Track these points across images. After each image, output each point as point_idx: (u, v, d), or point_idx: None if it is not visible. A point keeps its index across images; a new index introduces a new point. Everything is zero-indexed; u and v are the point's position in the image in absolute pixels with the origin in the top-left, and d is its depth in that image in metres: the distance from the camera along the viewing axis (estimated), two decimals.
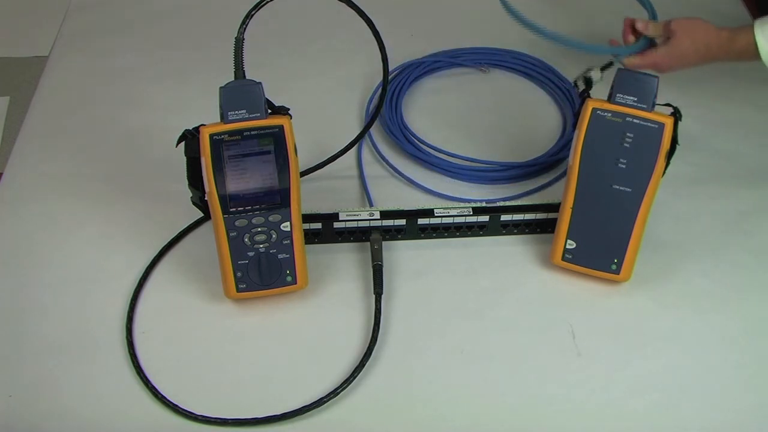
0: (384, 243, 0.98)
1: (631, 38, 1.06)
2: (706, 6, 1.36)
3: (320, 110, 1.19)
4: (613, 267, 0.93)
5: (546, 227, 1.01)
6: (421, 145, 1.14)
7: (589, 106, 0.90)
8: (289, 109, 0.88)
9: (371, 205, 1.06)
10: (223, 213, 0.87)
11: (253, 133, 0.86)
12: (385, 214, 0.99)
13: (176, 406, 0.84)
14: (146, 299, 0.94)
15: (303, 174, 1.04)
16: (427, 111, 1.21)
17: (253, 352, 0.90)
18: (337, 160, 1.06)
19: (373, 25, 0.93)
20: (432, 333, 0.92)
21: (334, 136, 1.10)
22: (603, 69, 1.01)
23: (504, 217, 1.00)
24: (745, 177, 1.10)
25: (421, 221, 0.99)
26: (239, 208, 0.87)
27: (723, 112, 1.18)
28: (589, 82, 0.93)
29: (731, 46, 1.00)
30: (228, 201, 0.87)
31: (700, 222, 1.04)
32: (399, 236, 1.01)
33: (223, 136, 0.85)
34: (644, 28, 1.04)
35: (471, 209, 1.00)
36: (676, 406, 0.85)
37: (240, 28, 0.85)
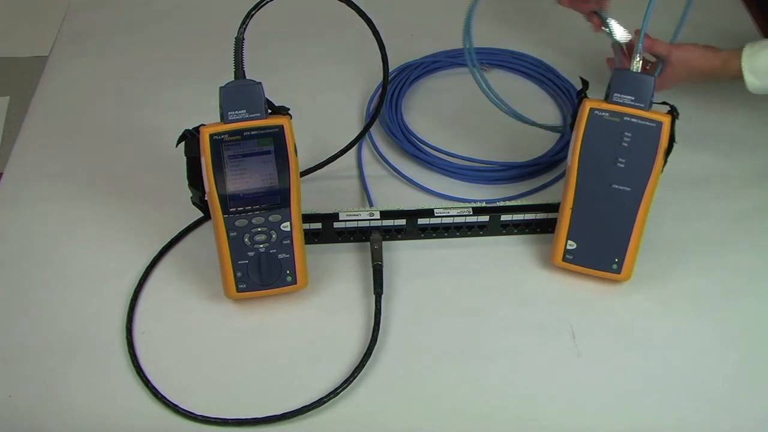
0: (384, 243, 0.98)
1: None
2: (705, 5, 1.36)
3: (320, 110, 1.19)
4: (614, 266, 0.93)
5: (546, 227, 1.01)
6: (421, 145, 1.14)
7: (587, 106, 0.90)
8: (289, 109, 0.88)
9: (371, 205, 1.06)
10: (223, 213, 0.87)
11: (253, 133, 0.86)
12: (385, 214, 0.99)
13: (176, 406, 0.84)
14: (146, 299, 0.94)
15: (303, 174, 1.04)
16: (427, 111, 1.21)
17: (253, 352, 0.90)
18: (337, 160, 1.06)
19: (373, 25, 0.93)
20: (432, 333, 0.92)
21: (334, 136, 1.10)
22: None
23: (504, 217, 1.00)
24: (746, 177, 1.10)
25: (421, 221, 0.99)
26: (239, 208, 0.88)
27: (723, 112, 1.19)
28: (586, 83, 0.94)
29: (724, 73, 1.04)
30: (228, 201, 0.87)
31: (700, 222, 1.04)
32: (399, 236, 1.01)
33: (223, 136, 0.85)
34: (651, 46, 1.07)
35: (471, 209, 1.00)
36: (676, 406, 0.85)
37: (240, 28, 0.85)
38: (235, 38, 0.85)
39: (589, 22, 1.12)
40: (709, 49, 1.06)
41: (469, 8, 1.11)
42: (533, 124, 1.14)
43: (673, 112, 0.90)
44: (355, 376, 0.86)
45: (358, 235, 1.00)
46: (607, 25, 1.09)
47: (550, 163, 1.12)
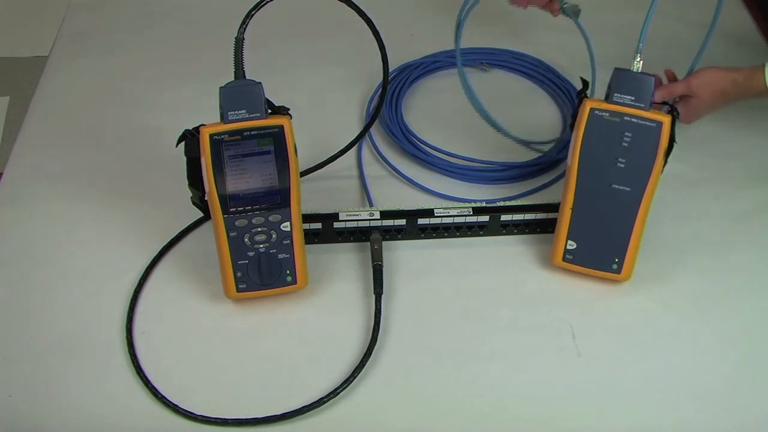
0: (384, 243, 0.98)
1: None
2: (705, 5, 1.36)
3: (320, 110, 1.19)
4: (614, 266, 0.93)
5: (546, 227, 1.01)
6: (421, 145, 1.14)
7: (587, 106, 0.90)
8: (289, 109, 0.88)
9: (371, 205, 1.06)
10: (223, 213, 0.87)
11: (253, 133, 0.86)
12: (385, 214, 0.99)
13: (176, 406, 0.84)
14: (146, 299, 0.94)
15: (303, 174, 1.04)
16: (427, 111, 1.21)
17: (253, 352, 0.90)
18: (337, 160, 1.06)
19: (373, 25, 0.93)
20: (432, 333, 0.92)
21: (334, 136, 1.10)
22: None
23: (504, 217, 1.00)
24: (746, 177, 1.10)
25: (421, 221, 0.99)
26: (239, 208, 0.88)
27: (723, 112, 1.18)
28: (586, 83, 0.94)
29: (749, 88, 1.02)
30: (228, 201, 0.87)
31: (700, 222, 1.04)
32: (399, 236, 1.01)
33: (223, 136, 0.85)
34: (670, 93, 1.05)
35: (471, 209, 1.00)
36: (676, 406, 0.85)
37: (240, 28, 0.85)
38: (235, 38, 0.85)
39: (548, 11, 1.16)
40: (729, 68, 1.04)
41: (459, 13, 1.11)
42: (508, 135, 1.14)
43: (674, 112, 0.90)
44: (355, 376, 0.86)
45: (358, 235, 1.00)
46: (562, 4, 1.13)
47: (550, 163, 1.12)
